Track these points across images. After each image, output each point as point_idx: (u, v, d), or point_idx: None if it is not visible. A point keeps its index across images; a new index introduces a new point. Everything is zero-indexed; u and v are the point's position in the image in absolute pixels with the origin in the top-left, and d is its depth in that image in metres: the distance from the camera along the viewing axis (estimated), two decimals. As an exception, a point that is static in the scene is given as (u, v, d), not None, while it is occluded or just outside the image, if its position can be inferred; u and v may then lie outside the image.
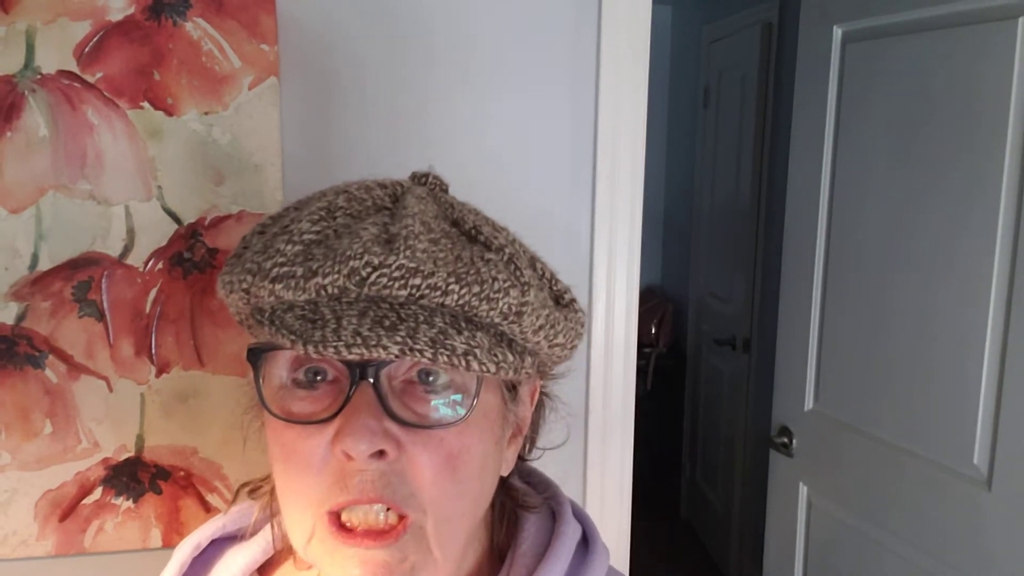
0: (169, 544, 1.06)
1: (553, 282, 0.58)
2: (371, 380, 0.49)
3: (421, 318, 0.48)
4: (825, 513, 1.77)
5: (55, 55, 0.96)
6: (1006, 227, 1.32)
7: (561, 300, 0.58)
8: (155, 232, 1.02)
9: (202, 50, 1.00)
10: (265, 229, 0.55)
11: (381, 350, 0.47)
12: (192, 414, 1.05)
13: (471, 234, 0.55)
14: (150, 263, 1.02)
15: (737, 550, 3.08)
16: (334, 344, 0.46)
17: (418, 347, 0.47)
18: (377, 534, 0.50)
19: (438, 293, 0.49)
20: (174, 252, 1.02)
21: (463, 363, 0.48)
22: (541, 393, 0.63)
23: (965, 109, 1.39)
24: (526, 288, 0.52)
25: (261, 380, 0.53)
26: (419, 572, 0.52)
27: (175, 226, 1.02)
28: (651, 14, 1.16)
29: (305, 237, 0.51)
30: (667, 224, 4.05)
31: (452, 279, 0.49)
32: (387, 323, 0.48)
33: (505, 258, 0.53)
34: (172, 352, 1.04)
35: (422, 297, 0.49)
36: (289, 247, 0.51)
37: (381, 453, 0.49)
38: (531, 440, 0.65)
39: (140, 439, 1.05)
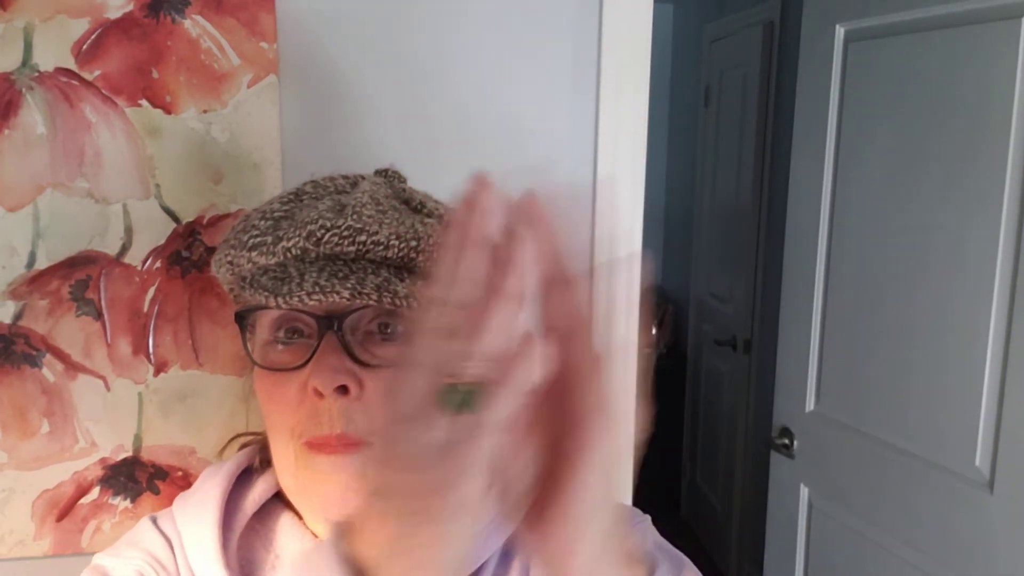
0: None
1: None
2: (335, 330, 0.57)
3: (369, 270, 0.58)
4: (826, 515, 1.76)
5: (53, 52, 0.96)
6: (1009, 228, 1.32)
7: None
8: (153, 231, 1.01)
9: (201, 48, 0.99)
10: (248, 216, 0.64)
11: (335, 296, 0.56)
12: (190, 414, 1.05)
13: (417, 208, 0.64)
14: (148, 262, 1.02)
15: (737, 551, 3.08)
16: (298, 295, 0.56)
17: (365, 291, 0.56)
18: (348, 443, 0.58)
19: (381, 248, 0.58)
20: (172, 251, 1.02)
21: (405, 304, 0.57)
22: None
23: (968, 108, 1.38)
24: None
25: (248, 340, 0.62)
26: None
27: (173, 225, 1.02)
28: (652, 13, 1.16)
29: (275, 214, 0.62)
30: (667, 224, 4.04)
31: (393, 237, 0.59)
32: (340, 275, 0.57)
33: (443, 222, 0.62)
34: (170, 351, 1.03)
35: (368, 252, 0.58)
36: (262, 222, 0.61)
37: (345, 389, 0.57)
38: None
39: (138, 439, 1.04)
